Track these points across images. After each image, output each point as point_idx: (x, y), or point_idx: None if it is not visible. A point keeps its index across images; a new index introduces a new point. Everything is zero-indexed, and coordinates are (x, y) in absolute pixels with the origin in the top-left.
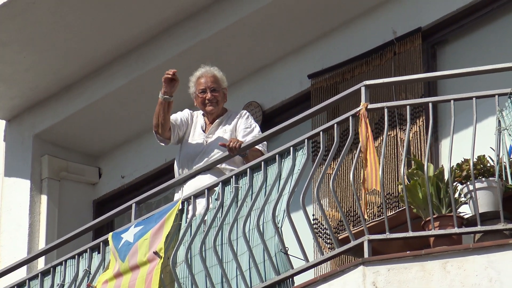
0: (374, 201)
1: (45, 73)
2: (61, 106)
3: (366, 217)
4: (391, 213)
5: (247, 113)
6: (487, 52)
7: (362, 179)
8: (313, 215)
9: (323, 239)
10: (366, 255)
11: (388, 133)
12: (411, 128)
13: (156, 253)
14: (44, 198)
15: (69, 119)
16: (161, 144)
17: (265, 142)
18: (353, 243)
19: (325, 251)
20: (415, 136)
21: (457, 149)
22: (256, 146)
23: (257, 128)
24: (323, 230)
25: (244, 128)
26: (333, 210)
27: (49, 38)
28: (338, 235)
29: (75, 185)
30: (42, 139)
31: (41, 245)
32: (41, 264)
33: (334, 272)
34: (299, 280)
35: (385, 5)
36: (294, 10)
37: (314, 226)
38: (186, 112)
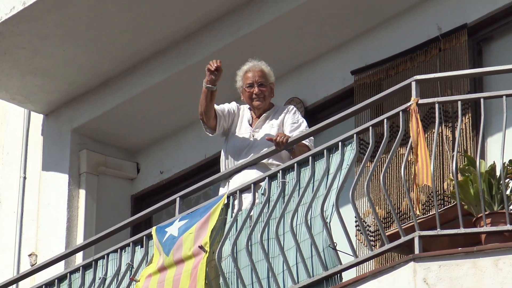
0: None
1: (84, 67)
2: (100, 100)
3: (418, 212)
4: (440, 210)
5: (294, 108)
6: None
7: (413, 175)
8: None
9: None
10: (417, 251)
11: (432, 130)
12: (457, 125)
13: (201, 247)
14: (82, 193)
15: (107, 114)
16: (207, 133)
17: (312, 138)
18: (403, 239)
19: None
20: (461, 133)
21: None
22: (303, 141)
23: (305, 123)
24: (365, 228)
25: (291, 123)
26: (376, 207)
27: (88, 32)
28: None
29: (113, 180)
30: (80, 134)
31: (79, 239)
32: (79, 259)
33: (384, 268)
34: (346, 276)
35: (429, 1)
36: (337, 6)
37: (357, 223)
38: (233, 104)
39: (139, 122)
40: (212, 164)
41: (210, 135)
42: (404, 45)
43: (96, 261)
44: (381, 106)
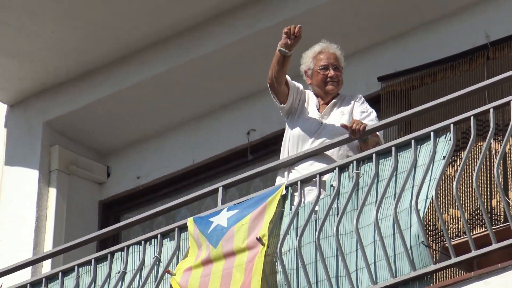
0: (459, 216)
1: (69, 54)
2: (79, 93)
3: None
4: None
5: (363, 97)
6: None
7: None
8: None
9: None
10: None
11: (478, 143)
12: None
13: (259, 239)
14: (52, 192)
15: (86, 108)
16: (275, 102)
17: (382, 131)
18: None
19: None
20: None
21: None
22: (377, 133)
23: (374, 113)
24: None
25: (360, 111)
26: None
27: (85, 13)
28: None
29: (83, 182)
30: (51, 128)
31: (48, 241)
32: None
33: (493, 269)
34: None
35: (475, 7)
36: (369, 8)
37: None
38: (301, 85)
39: (120, 120)
40: (200, 171)
41: (278, 105)
42: (443, 53)
43: (112, 253)
44: (410, 123)
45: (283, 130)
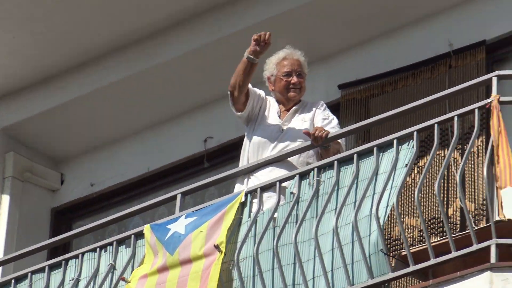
0: (414, 225)
1: (29, 59)
2: (38, 99)
3: (502, 217)
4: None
5: (324, 104)
6: None
7: (495, 177)
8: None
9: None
10: (493, 260)
11: (438, 153)
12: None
13: (216, 246)
14: (5, 198)
15: (41, 115)
16: (233, 110)
17: (343, 138)
18: (476, 246)
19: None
20: (471, 157)
21: None
22: (339, 140)
23: (336, 120)
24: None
25: (322, 118)
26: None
27: (48, 18)
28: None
29: (36, 189)
30: (7, 134)
31: None
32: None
33: (452, 278)
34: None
35: (438, 15)
36: (331, 15)
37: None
38: (262, 92)
39: (75, 127)
40: (155, 179)
41: (235, 113)
42: (405, 61)
43: (66, 260)
44: (368, 132)
45: (240, 138)
